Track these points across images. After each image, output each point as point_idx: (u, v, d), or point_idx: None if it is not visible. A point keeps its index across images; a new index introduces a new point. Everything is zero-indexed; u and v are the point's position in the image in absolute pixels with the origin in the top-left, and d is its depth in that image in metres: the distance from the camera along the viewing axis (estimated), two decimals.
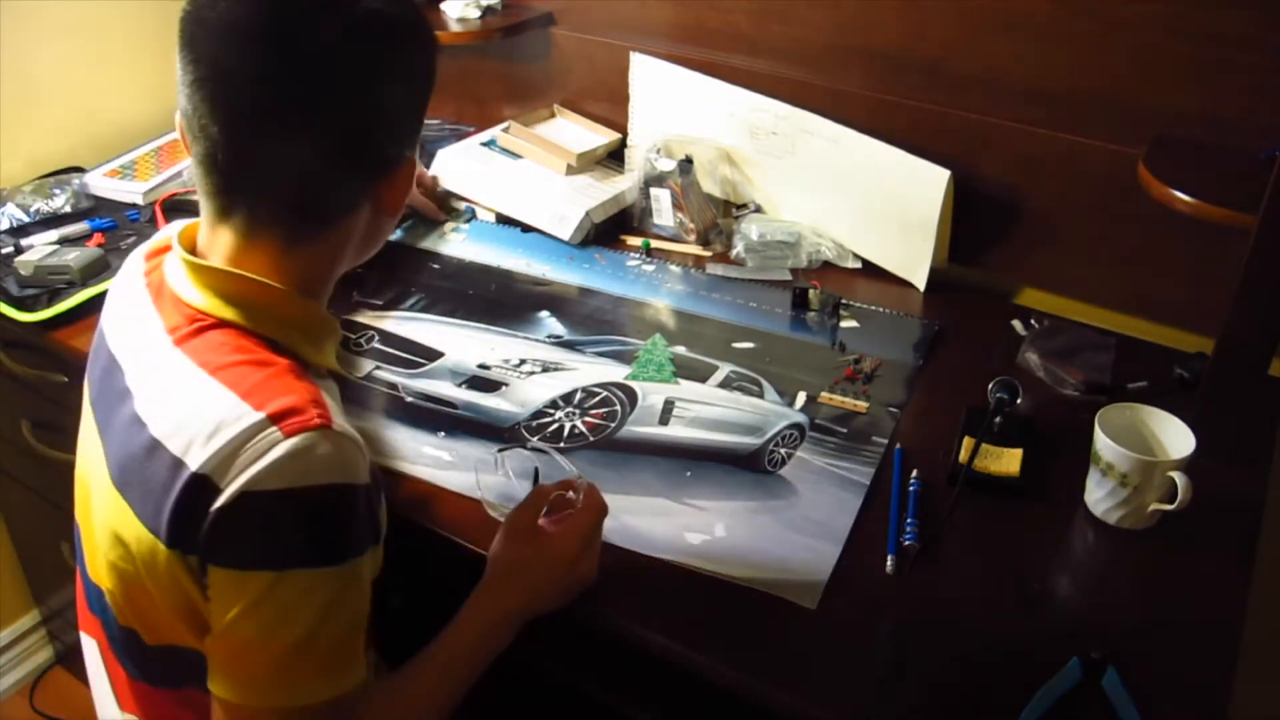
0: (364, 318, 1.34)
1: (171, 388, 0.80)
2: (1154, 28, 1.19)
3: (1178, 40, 1.18)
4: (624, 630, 0.92)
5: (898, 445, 1.12)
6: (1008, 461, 1.08)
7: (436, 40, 0.88)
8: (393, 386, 1.21)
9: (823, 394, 1.20)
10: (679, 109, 1.57)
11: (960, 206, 1.37)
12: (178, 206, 1.56)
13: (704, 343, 1.29)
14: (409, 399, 1.19)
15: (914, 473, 1.07)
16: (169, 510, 0.75)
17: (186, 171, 1.61)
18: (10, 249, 1.45)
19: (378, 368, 1.24)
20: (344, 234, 0.86)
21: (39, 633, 2.00)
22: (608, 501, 0.95)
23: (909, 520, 1.01)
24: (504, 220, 1.57)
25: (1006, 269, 1.42)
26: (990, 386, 1.14)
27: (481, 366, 1.24)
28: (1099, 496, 1.02)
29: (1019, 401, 1.14)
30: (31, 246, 1.43)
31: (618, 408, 1.18)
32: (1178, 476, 0.96)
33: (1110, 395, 1.17)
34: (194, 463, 0.74)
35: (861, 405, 1.19)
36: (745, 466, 1.10)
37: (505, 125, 1.66)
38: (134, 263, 0.94)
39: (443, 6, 1.69)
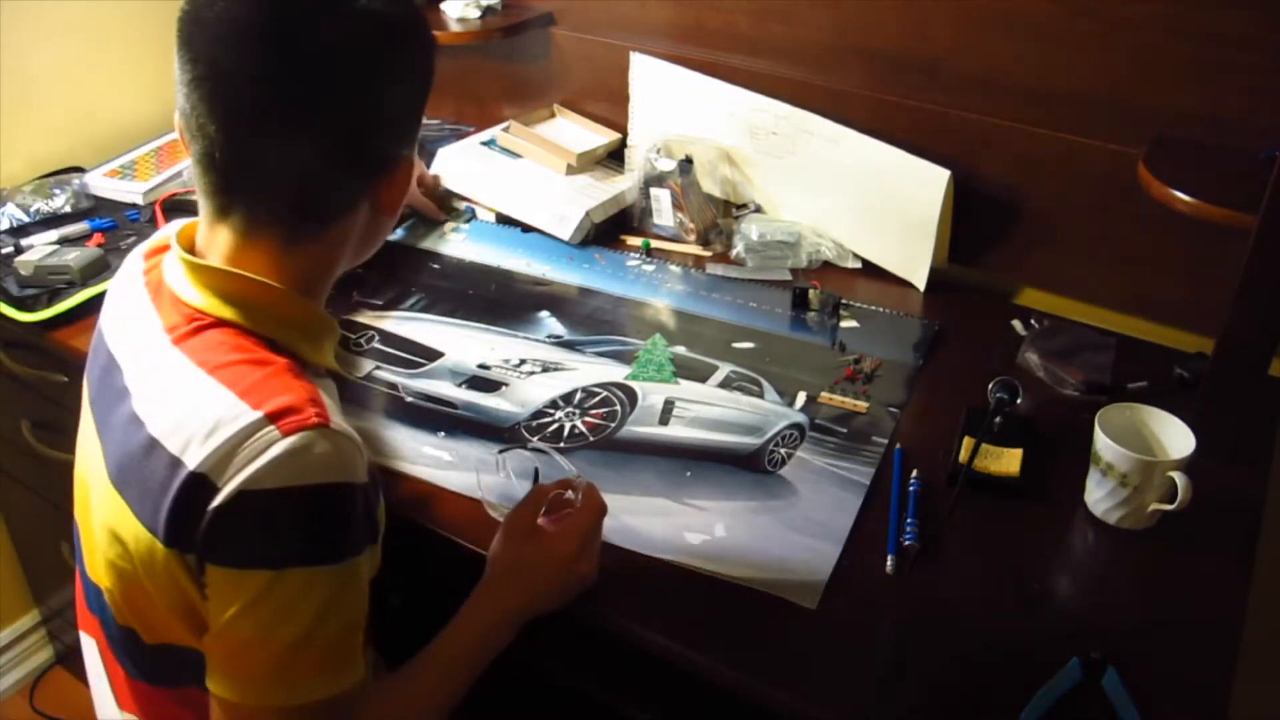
0: (364, 318, 1.34)
1: (169, 387, 0.80)
2: (1154, 28, 1.19)
3: (1178, 40, 1.18)
4: (624, 630, 0.92)
5: (898, 445, 1.12)
6: (1008, 461, 1.08)
7: (434, 39, 0.88)
8: (393, 386, 1.21)
9: (823, 394, 1.20)
10: (679, 109, 1.57)
11: (960, 206, 1.37)
12: (178, 206, 1.56)
13: (704, 343, 1.29)
14: (409, 399, 1.19)
15: (914, 473, 1.07)
16: (167, 509, 0.75)
17: (186, 171, 1.61)
18: (10, 249, 1.45)
19: (378, 368, 1.24)
20: (343, 233, 0.86)
21: (39, 633, 2.00)
22: (608, 501, 0.95)
23: (909, 520, 1.01)
24: (504, 220, 1.57)
25: (1006, 269, 1.42)
26: (990, 386, 1.14)
27: (481, 366, 1.24)
28: (1099, 496, 1.02)
29: (1019, 401, 1.14)
30: (31, 246, 1.43)
31: (618, 408, 1.18)
32: (1178, 476, 0.96)
33: (1110, 395, 1.17)
34: (192, 461, 0.74)
35: (861, 405, 1.19)
36: (745, 466, 1.10)
37: (505, 125, 1.66)
38: (133, 262, 0.94)
39: (443, 6, 1.69)
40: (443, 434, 1.13)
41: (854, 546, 0.99)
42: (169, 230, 0.90)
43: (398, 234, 1.54)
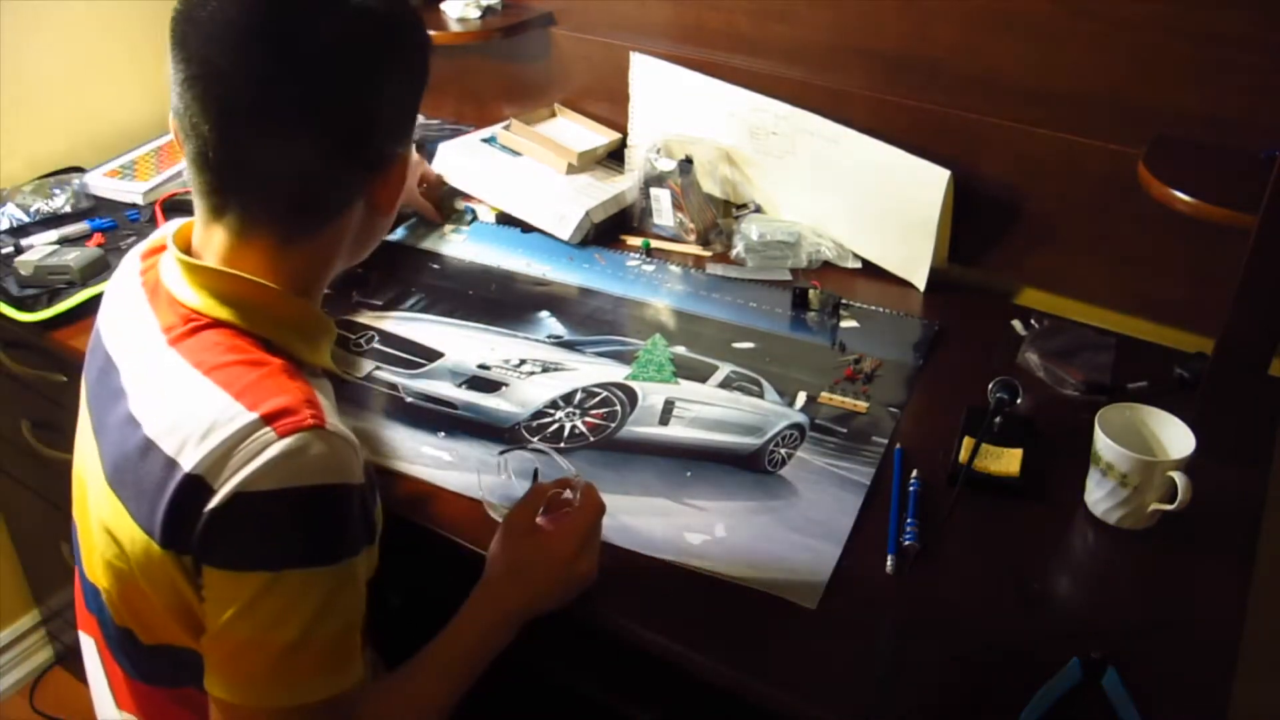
0: (364, 318, 1.34)
1: (166, 388, 0.80)
2: (1154, 28, 1.19)
3: (1178, 40, 1.18)
4: (624, 630, 0.92)
5: (898, 445, 1.12)
6: (1008, 461, 1.08)
7: (429, 38, 0.88)
8: (393, 387, 1.21)
9: (823, 394, 1.20)
10: (679, 109, 1.57)
11: (960, 206, 1.37)
12: (178, 206, 1.56)
13: (704, 343, 1.29)
14: (409, 399, 1.19)
15: (914, 473, 1.07)
16: (163, 510, 0.75)
17: (186, 171, 1.61)
18: (10, 249, 1.45)
19: (378, 368, 1.24)
20: (338, 232, 0.86)
21: (39, 633, 2.00)
22: (608, 502, 0.95)
23: (909, 520, 1.01)
24: (504, 220, 1.57)
25: (1006, 269, 1.42)
26: (990, 386, 1.14)
27: (481, 367, 1.24)
28: (1099, 496, 1.02)
29: (1019, 401, 1.14)
30: (31, 246, 1.43)
31: (618, 408, 1.18)
32: (1178, 476, 0.96)
33: (1110, 395, 1.17)
34: (187, 463, 0.74)
35: (861, 405, 1.19)
36: (745, 466, 1.10)
37: (506, 123, 1.66)
38: (130, 262, 0.94)
39: (443, 6, 1.69)
40: (443, 434, 1.13)
41: (854, 546, 0.99)
42: (166, 231, 0.89)
43: (398, 234, 1.54)
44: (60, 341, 1.30)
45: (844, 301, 1.37)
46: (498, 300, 1.38)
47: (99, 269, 1.38)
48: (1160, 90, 1.21)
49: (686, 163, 1.50)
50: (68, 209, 1.55)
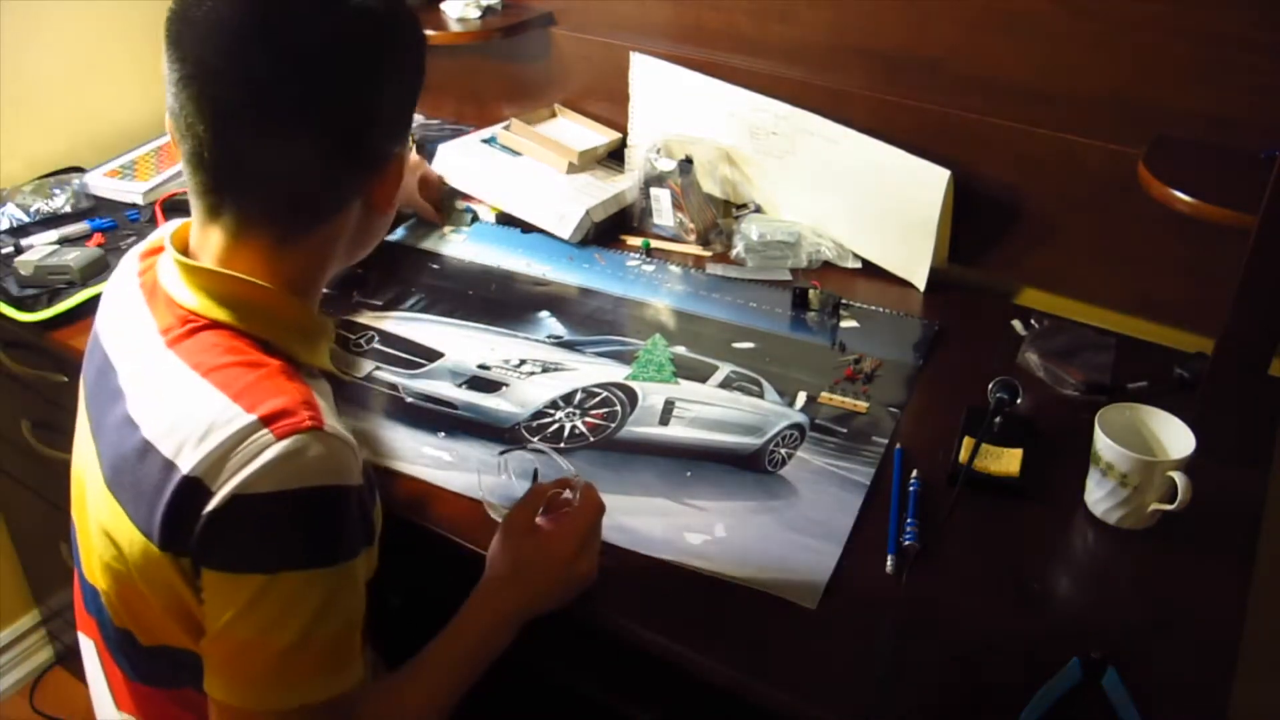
0: (364, 318, 1.34)
1: (164, 389, 0.80)
2: (1154, 28, 1.19)
3: (1178, 40, 1.18)
4: (624, 630, 0.92)
5: (898, 445, 1.12)
6: (1008, 461, 1.08)
7: (425, 37, 0.88)
8: (393, 387, 1.21)
9: (823, 394, 1.20)
10: (679, 109, 1.57)
11: (960, 206, 1.36)
12: (178, 206, 1.56)
13: (704, 343, 1.29)
14: (409, 399, 1.19)
15: (914, 473, 1.07)
16: (161, 512, 0.75)
17: (183, 172, 1.61)
18: (10, 249, 1.45)
19: (378, 368, 1.24)
20: (335, 232, 0.86)
21: (39, 633, 2.00)
22: (608, 502, 0.95)
23: (909, 520, 1.01)
24: (504, 220, 1.57)
25: (1006, 269, 1.42)
26: (990, 386, 1.14)
27: (481, 367, 1.24)
28: (1099, 496, 1.02)
29: (1019, 401, 1.14)
30: (31, 246, 1.43)
31: (618, 408, 1.18)
32: (1178, 476, 0.96)
33: (1110, 395, 1.17)
34: (185, 465, 0.74)
35: (861, 405, 1.19)
36: (745, 467, 1.10)
37: (506, 123, 1.66)
38: (128, 263, 0.94)
39: (443, 6, 1.69)
40: (443, 434, 1.13)
41: (854, 546, 0.99)
42: (164, 231, 0.89)
43: (397, 234, 1.54)
44: (60, 341, 1.30)
45: (844, 301, 1.37)
46: (498, 300, 1.38)
47: (99, 269, 1.38)
48: (1160, 90, 1.21)
49: (686, 163, 1.50)
50: (68, 209, 1.55)
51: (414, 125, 1.79)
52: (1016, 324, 1.33)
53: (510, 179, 1.57)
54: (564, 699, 1.03)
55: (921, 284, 1.41)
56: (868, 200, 1.43)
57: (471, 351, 1.27)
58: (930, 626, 0.91)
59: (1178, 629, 0.92)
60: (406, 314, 1.35)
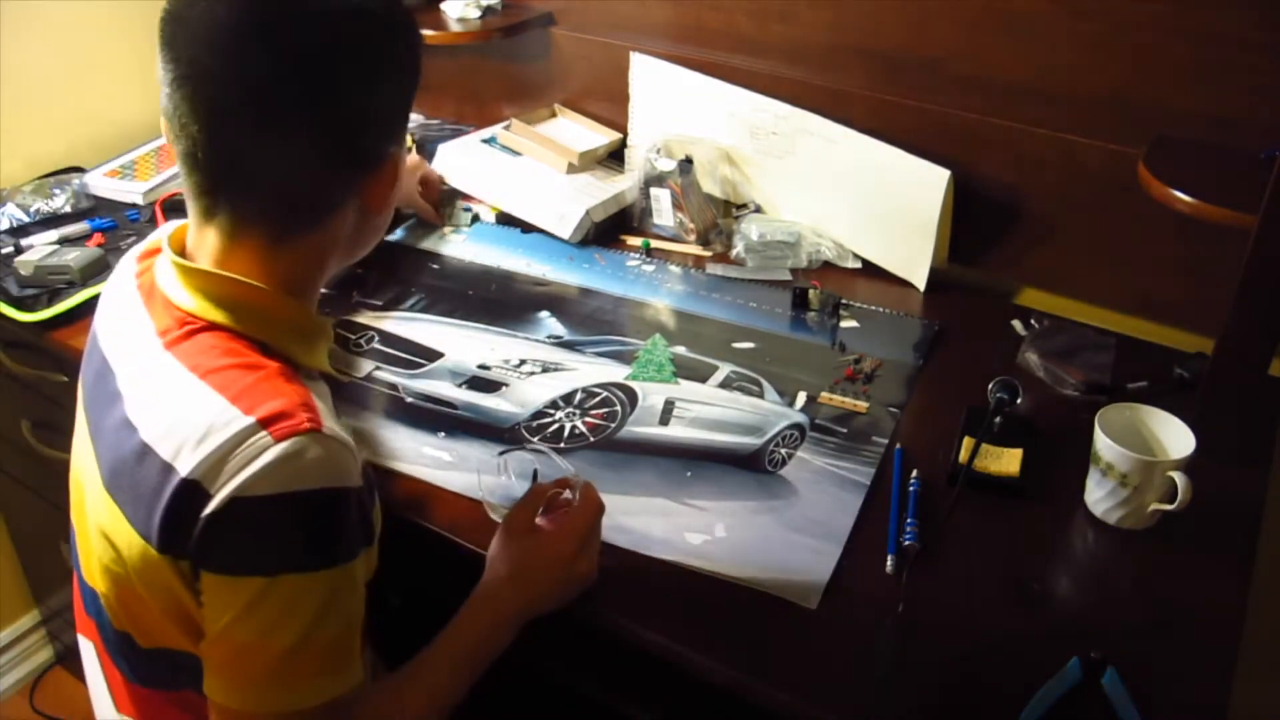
0: (364, 318, 1.34)
1: (162, 391, 0.80)
2: (1154, 28, 1.19)
3: (1178, 40, 1.18)
4: (624, 630, 0.92)
5: (898, 445, 1.12)
6: (1008, 461, 1.08)
7: (421, 36, 0.87)
8: (393, 387, 1.21)
9: (823, 394, 1.20)
10: (679, 109, 1.57)
11: (960, 206, 1.36)
12: (178, 206, 1.55)
13: (704, 343, 1.29)
14: (409, 399, 1.19)
15: (914, 473, 1.07)
16: (160, 515, 0.75)
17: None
18: (10, 249, 1.45)
19: (378, 368, 1.24)
20: (331, 232, 0.86)
21: (39, 633, 2.00)
22: (608, 502, 0.95)
23: (909, 520, 1.01)
24: (504, 220, 1.57)
25: (1006, 269, 1.42)
26: (990, 386, 1.14)
27: (481, 367, 1.24)
28: (1099, 496, 1.02)
29: (1019, 401, 1.14)
30: (31, 246, 1.43)
31: (618, 408, 1.18)
32: (1178, 476, 0.96)
33: (1110, 395, 1.17)
34: (184, 468, 0.74)
35: (861, 405, 1.19)
36: (745, 467, 1.10)
37: (506, 123, 1.66)
38: (126, 265, 0.94)
39: (443, 6, 1.69)
40: (443, 434, 1.13)
41: (854, 546, 0.99)
42: (161, 233, 0.89)
43: (397, 234, 1.54)
44: (60, 341, 1.30)
45: (844, 301, 1.37)
46: (498, 300, 1.38)
47: (99, 269, 1.38)
48: (1160, 90, 1.21)
49: (686, 163, 1.50)
50: (68, 209, 1.55)
51: (414, 125, 1.80)
52: (1016, 324, 1.33)
53: (510, 179, 1.57)
54: (564, 699, 1.03)
55: (921, 284, 1.41)
56: (868, 200, 1.43)
57: (471, 351, 1.27)
58: (930, 626, 0.91)
59: (1178, 629, 0.92)
60: (406, 314, 1.35)
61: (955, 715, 0.84)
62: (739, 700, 0.87)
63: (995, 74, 1.31)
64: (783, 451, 1.12)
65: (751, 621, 0.92)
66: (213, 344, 0.80)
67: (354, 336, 1.29)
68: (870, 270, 1.46)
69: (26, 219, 1.52)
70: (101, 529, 0.83)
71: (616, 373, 1.23)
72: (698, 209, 1.51)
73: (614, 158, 1.66)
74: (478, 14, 1.66)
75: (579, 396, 1.19)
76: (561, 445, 1.12)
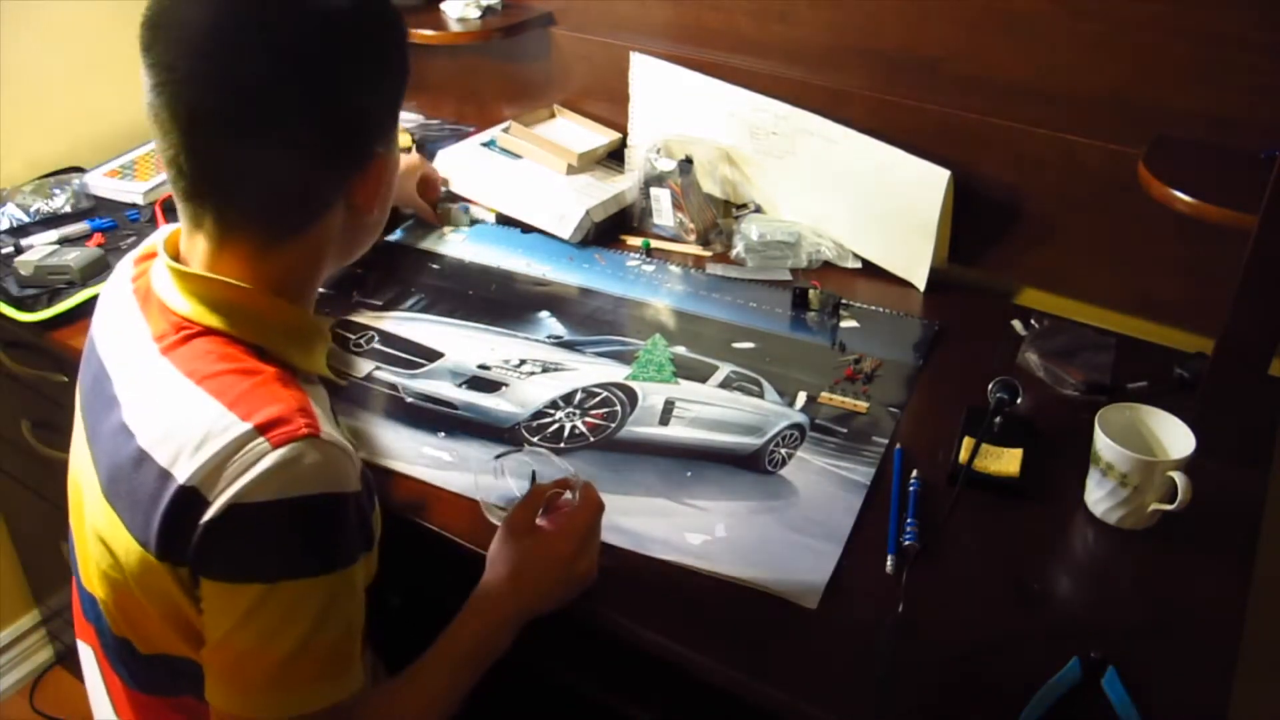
0: (364, 318, 1.34)
1: (159, 397, 0.79)
2: (1154, 28, 1.19)
3: (1178, 40, 1.18)
4: (624, 630, 0.92)
5: (898, 445, 1.12)
6: (1008, 461, 1.08)
7: (404, 32, 0.85)
8: (393, 387, 1.21)
9: (823, 394, 1.20)
10: (679, 109, 1.57)
11: (960, 206, 1.36)
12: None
13: (704, 343, 1.29)
14: (409, 399, 1.19)
15: (914, 473, 1.07)
16: (158, 522, 0.75)
17: None
18: (10, 249, 1.45)
19: (378, 368, 1.24)
20: (320, 235, 0.85)
21: (39, 633, 2.00)
22: (608, 502, 0.95)
23: (909, 520, 1.01)
24: (504, 220, 1.57)
25: (1006, 269, 1.42)
26: (990, 386, 1.14)
27: (481, 367, 1.24)
28: (1099, 496, 1.02)
29: (1019, 401, 1.14)
30: (31, 246, 1.43)
31: (618, 408, 1.18)
32: (1178, 476, 0.96)
33: (1110, 395, 1.17)
34: (182, 475, 0.74)
35: (861, 405, 1.19)
36: (745, 467, 1.10)
37: (505, 125, 1.66)
38: (123, 269, 0.93)
39: (443, 6, 1.69)
40: (443, 434, 1.13)
41: (854, 546, 0.99)
42: (157, 237, 0.89)
43: (397, 234, 1.54)
44: (60, 341, 1.30)
45: (844, 301, 1.37)
46: (498, 300, 1.38)
47: (99, 269, 1.38)
48: (1160, 90, 1.21)
49: (686, 163, 1.50)
50: (68, 209, 1.55)
51: (414, 125, 1.80)
52: (1016, 324, 1.33)
53: (510, 182, 1.57)
54: (564, 699, 1.03)
55: (921, 284, 1.41)
56: (868, 200, 1.43)
57: (471, 351, 1.27)
58: (930, 626, 0.91)
59: (1178, 629, 0.92)
60: (406, 314, 1.35)
61: (955, 715, 0.84)
62: (739, 700, 0.87)
63: (995, 74, 1.31)
64: (783, 451, 1.12)
65: (751, 621, 0.92)
66: (209, 349, 0.80)
67: (354, 336, 1.29)
68: (870, 270, 1.46)
69: (26, 219, 1.52)
70: (99, 535, 0.83)
71: (616, 373, 1.23)
72: (698, 209, 1.51)
73: (614, 158, 1.66)
74: (478, 14, 1.66)
75: (579, 396, 1.19)
76: (561, 445, 1.12)
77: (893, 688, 0.85)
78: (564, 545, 0.90)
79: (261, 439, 0.74)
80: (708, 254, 1.50)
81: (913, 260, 1.41)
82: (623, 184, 1.58)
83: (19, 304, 1.34)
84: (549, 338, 1.30)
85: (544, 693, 1.04)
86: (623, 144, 1.65)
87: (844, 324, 1.34)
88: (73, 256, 1.37)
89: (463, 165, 1.60)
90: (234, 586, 0.74)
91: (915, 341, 1.31)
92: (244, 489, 0.72)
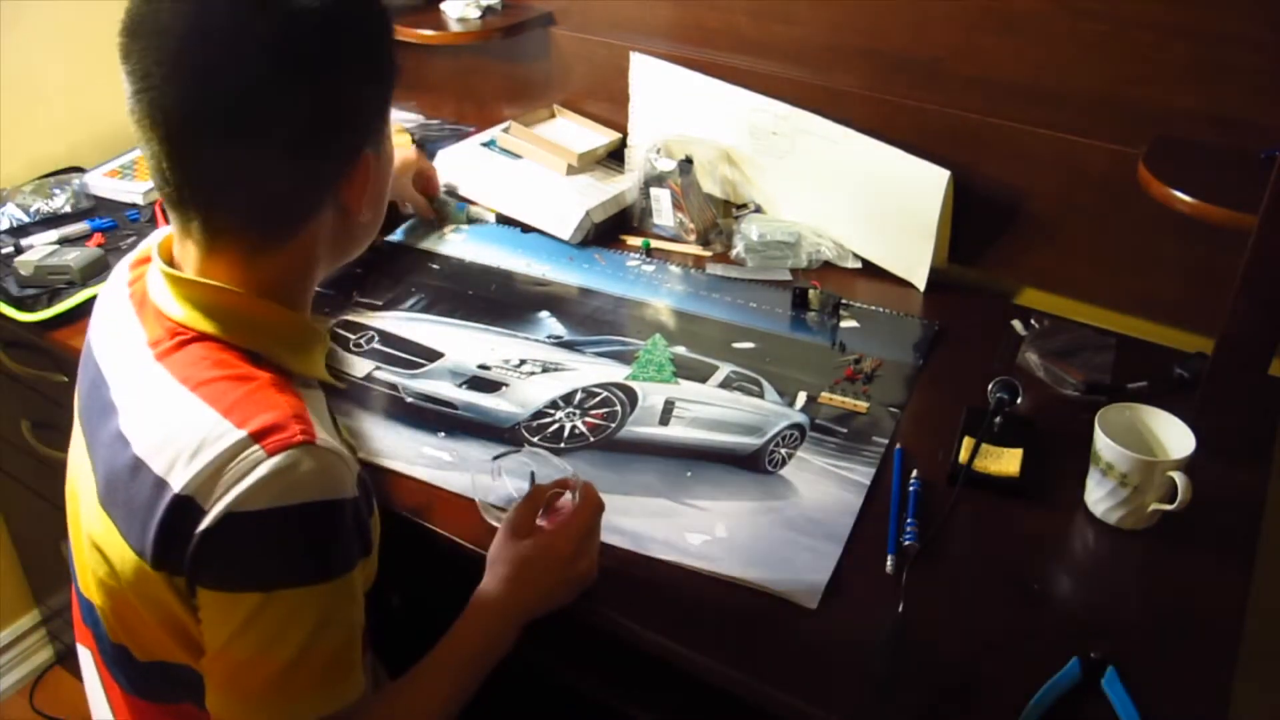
0: (364, 318, 1.34)
1: (154, 404, 0.79)
2: (1154, 28, 1.18)
3: (1178, 40, 1.18)
4: (624, 630, 0.92)
5: (898, 445, 1.12)
6: (1008, 461, 1.08)
7: (388, 29, 0.84)
8: (393, 387, 1.21)
9: (823, 394, 1.20)
10: (679, 109, 1.57)
11: (960, 206, 1.36)
12: None
13: (704, 343, 1.29)
14: (409, 399, 1.19)
15: (914, 473, 1.07)
16: (154, 531, 0.74)
17: None
18: (10, 249, 1.45)
19: (378, 368, 1.24)
20: (310, 238, 0.83)
21: (39, 633, 2.00)
22: (608, 502, 0.95)
23: (909, 520, 1.01)
24: (504, 220, 1.57)
25: (1006, 269, 1.42)
26: (990, 386, 1.14)
27: (481, 367, 1.24)
28: (1099, 496, 1.02)
29: (1019, 401, 1.14)
30: (31, 246, 1.43)
31: (618, 408, 1.18)
32: (1178, 476, 0.96)
33: (1110, 395, 1.17)
34: (177, 483, 0.73)
35: (861, 405, 1.19)
36: (746, 467, 1.10)
37: (505, 125, 1.66)
38: (119, 273, 0.93)
39: (443, 6, 1.69)
40: (443, 434, 1.13)
41: (854, 546, 0.99)
42: (151, 241, 0.88)
43: (398, 234, 1.54)
44: (60, 341, 1.30)
45: (844, 301, 1.37)
46: (498, 300, 1.38)
47: (99, 269, 1.38)
48: (1160, 90, 1.21)
49: (686, 163, 1.50)
50: (68, 209, 1.55)
51: (414, 125, 1.80)
52: (1016, 324, 1.33)
53: (510, 182, 1.57)
54: (564, 699, 1.03)
55: (921, 284, 1.41)
56: (868, 200, 1.43)
57: (471, 351, 1.27)
58: (930, 626, 0.91)
59: (1178, 629, 0.92)
60: (406, 314, 1.35)
61: (955, 715, 0.84)
62: (739, 700, 0.87)
63: (995, 74, 1.31)
64: (783, 451, 1.12)
65: (752, 621, 0.92)
66: (203, 355, 0.79)
67: (354, 336, 1.29)
68: (870, 270, 1.46)
69: (26, 219, 1.52)
70: (95, 542, 0.82)
71: (616, 373, 1.23)
72: (698, 209, 1.51)
73: (614, 158, 1.66)
74: (478, 14, 1.66)
75: (579, 396, 1.19)
76: (561, 445, 1.12)
77: (893, 688, 0.85)
78: (564, 545, 0.90)
79: (256, 447, 0.73)
80: (708, 254, 1.50)
81: (913, 260, 1.41)
82: (623, 184, 1.58)
83: (19, 304, 1.34)
84: (549, 338, 1.30)
85: (544, 693, 1.04)
86: (623, 144, 1.65)
87: (844, 324, 1.34)
88: (73, 256, 1.37)
89: (463, 165, 1.60)
90: (231, 596, 0.74)
91: (915, 341, 1.31)
92: (239, 497, 0.72)
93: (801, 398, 1.20)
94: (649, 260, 1.49)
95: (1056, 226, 1.35)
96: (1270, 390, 1.12)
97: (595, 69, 1.67)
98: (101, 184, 1.61)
